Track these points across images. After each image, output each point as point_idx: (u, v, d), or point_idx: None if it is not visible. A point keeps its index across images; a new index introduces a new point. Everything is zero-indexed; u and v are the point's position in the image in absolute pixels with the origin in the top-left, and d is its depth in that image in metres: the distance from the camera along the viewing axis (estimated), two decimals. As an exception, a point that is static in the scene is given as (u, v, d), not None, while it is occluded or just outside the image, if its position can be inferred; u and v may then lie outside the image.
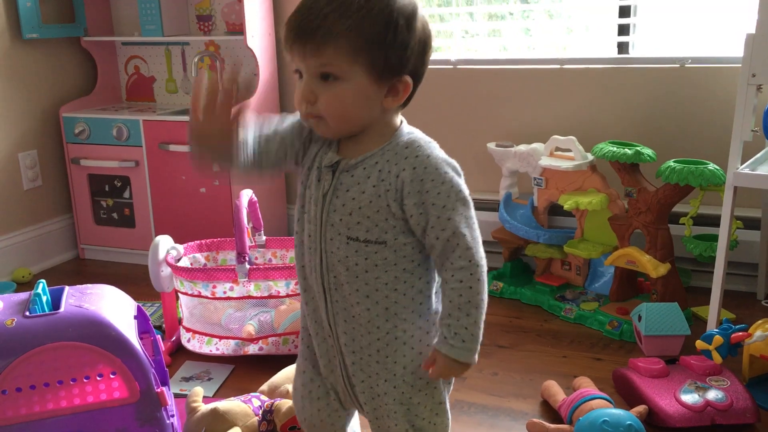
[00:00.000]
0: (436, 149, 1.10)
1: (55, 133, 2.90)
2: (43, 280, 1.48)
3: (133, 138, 2.77)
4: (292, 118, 1.17)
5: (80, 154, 2.86)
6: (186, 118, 2.78)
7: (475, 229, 1.08)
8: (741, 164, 1.87)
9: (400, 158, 1.07)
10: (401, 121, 1.14)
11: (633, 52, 2.55)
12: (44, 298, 1.44)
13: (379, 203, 1.06)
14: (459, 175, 1.09)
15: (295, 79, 1.06)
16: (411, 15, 1.03)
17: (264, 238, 2.25)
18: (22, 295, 1.48)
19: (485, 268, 1.08)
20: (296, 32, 1.01)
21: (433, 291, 1.15)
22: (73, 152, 2.86)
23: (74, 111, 2.87)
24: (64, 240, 2.99)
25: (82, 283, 1.56)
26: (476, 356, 1.10)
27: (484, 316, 1.08)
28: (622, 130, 2.48)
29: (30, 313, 1.39)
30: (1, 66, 2.68)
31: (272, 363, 1.98)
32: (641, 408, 1.65)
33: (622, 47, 2.55)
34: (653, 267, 2.11)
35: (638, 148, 2.18)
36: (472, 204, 1.09)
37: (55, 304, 1.45)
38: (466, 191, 1.09)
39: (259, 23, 2.76)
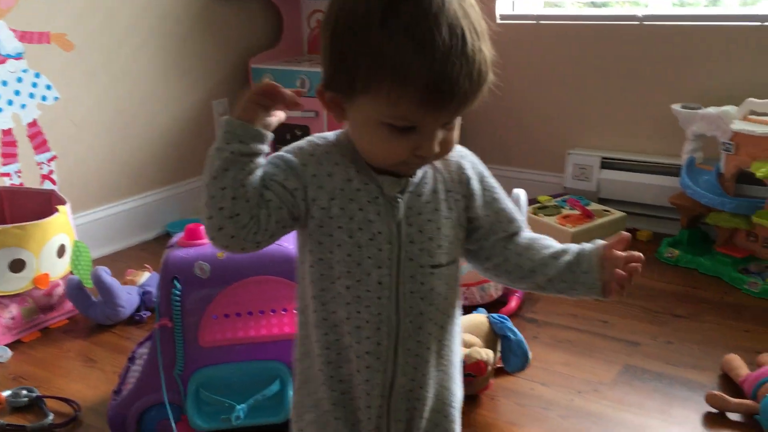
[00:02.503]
0: None
1: (244, 82, 3.09)
2: (248, 219, 1.62)
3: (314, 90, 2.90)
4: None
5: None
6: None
7: None
8: None
9: (449, 162, 0.96)
10: None
11: None
12: (249, 235, 1.58)
13: (452, 216, 0.95)
14: None
15: (383, 130, 0.85)
16: None
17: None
18: (229, 231, 1.62)
19: None
20: (453, 103, 0.84)
21: None
22: (260, 102, 3.04)
23: (262, 62, 3.04)
24: (248, 184, 3.21)
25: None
26: None
27: None
28: (830, 94, 2.27)
29: (238, 248, 1.52)
30: (198, 18, 2.89)
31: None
32: (836, 392, 1.55)
33: (837, 2, 2.33)
34: None
35: None
36: None
37: (258, 241, 1.59)
38: None
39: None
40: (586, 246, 0.97)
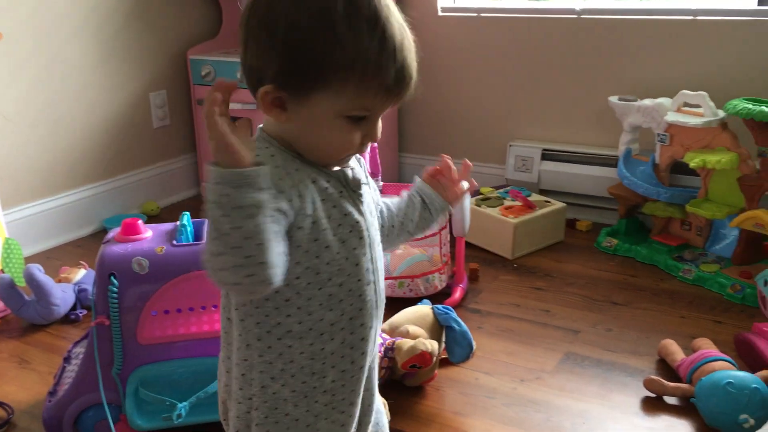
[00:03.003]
0: None
1: (182, 74, 3.02)
2: (188, 212, 1.58)
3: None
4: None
5: (206, 95, 2.97)
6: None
7: None
8: None
9: None
10: None
11: (775, 4, 2.40)
12: (189, 229, 1.54)
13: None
14: None
15: (340, 122, 0.87)
16: None
17: (381, 183, 2.29)
18: (169, 226, 1.58)
19: None
20: (408, 90, 0.89)
21: None
22: (199, 93, 2.99)
23: (201, 54, 2.98)
24: (188, 177, 3.14)
25: (203, 217, 1.65)
26: None
27: None
28: (759, 86, 2.35)
29: (177, 242, 1.49)
30: (134, 8, 2.81)
31: (388, 304, 2.04)
32: (766, 372, 1.61)
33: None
34: (784, 231, 2.03)
35: (776, 106, 2.07)
36: None
37: (198, 235, 1.55)
38: None
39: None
40: (416, 184, 1.13)
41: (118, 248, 1.47)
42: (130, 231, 1.50)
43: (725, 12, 2.42)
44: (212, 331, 1.50)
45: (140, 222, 1.52)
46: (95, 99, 2.72)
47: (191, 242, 1.50)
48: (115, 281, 1.44)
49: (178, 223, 1.55)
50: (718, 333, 1.91)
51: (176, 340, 1.49)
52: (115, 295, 1.44)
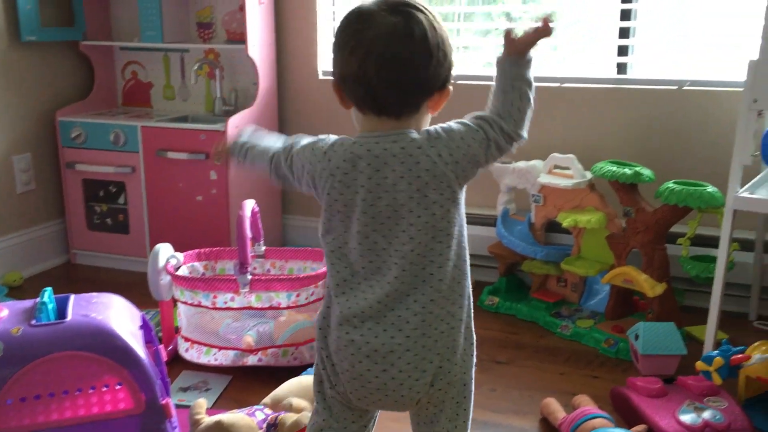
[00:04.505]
0: None
1: (50, 136, 2.87)
2: (50, 288, 1.47)
3: (131, 144, 2.76)
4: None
5: (75, 158, 2.83)
6: (185, 125, 2.78)
7: None
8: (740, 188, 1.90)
9: None
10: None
11: (631, 74, 2.58)
12: (50, 307, 1.43)
13: None
14: None
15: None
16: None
17: (263, 248, 2.24)
18: (27, 303, 1.46)
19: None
20: None
21: None
22: (69, 156, 2.84)
23: (70, 115, 2.85)
24: (56, 244, 2.96)
25: (73, 288, 1.55)
26: None
27: None
28: (622, 149, 2.50)
29: (36, 322, 1.37)
30: (-2, 67, 2.66)
31: (271, 375, 1.97)
32: (641, 428, 1.66)
33: (622, 68, 2.59)
34: (650, 286, 2.13)
35: (637, 169, 2.21)
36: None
37: (61, 312, 1.44)
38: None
39: (261, 33, 2.76)
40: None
41: (-33, 331, 1.33)
42: (-17, 311, 1.37)
43: (588, 80, 2.58)
44: (76, 417, 1.38)
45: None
46: (-50, 163, 2.53)
47: (52, 321, 1.39)
48: (-37, 368, 1.30)
49: (37, 300, 1.43)
50: (596, 388, 1.96)
51: (35, 430, 1.36)
52: (-37, 384, 1.30)
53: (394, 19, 1.08)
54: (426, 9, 1.12)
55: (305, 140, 1.23)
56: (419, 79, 1.11)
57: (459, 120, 1.18)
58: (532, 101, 1.17)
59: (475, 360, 1.24)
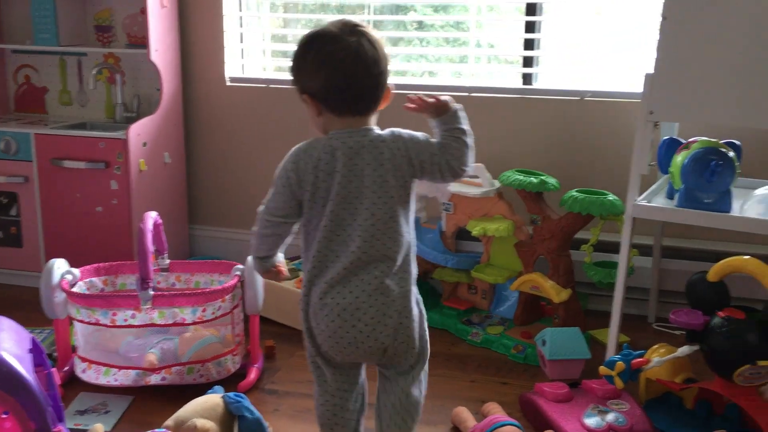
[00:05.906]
0: None
1: (-67, 144, 2.68)
2: (-74, 312, 1.36)
3: (23, 152, 2.61)
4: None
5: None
6: (83, 132, 2.65)
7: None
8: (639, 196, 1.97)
9: None
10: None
11: (536, 84, 2.64)
12: (-74, 332, 1.32)
13: None
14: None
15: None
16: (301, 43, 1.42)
17: (168, 261, 2.16)
18: None
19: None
20: None
21: None
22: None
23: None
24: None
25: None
26: None
27: None
28: (528, 159, 2.55)
29: None
30: None
31: (175, 394, 1.90)
32: (549, 433, 1.69)
33: (527, 78, 2.64)
34: (556, 292, 2.18)
35: (543, 177, 2.26)
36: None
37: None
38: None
39: (164, 37, 2.67)
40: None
41: None
42: None
43: (495, 90, 2.62)
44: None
45: None
46: None
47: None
48: None
49: None
50: (505, 395, 1.99)
51: None
52: None
53: (356, 39, 1.36)
54: (369, 28, 1.39)
55: (270, 192, 1.46)
56: (380, 83, 1.40)
57: (424, 133, 1.47)
58: (469, 143, 1.45)
59: (428, 330, 1.55)
